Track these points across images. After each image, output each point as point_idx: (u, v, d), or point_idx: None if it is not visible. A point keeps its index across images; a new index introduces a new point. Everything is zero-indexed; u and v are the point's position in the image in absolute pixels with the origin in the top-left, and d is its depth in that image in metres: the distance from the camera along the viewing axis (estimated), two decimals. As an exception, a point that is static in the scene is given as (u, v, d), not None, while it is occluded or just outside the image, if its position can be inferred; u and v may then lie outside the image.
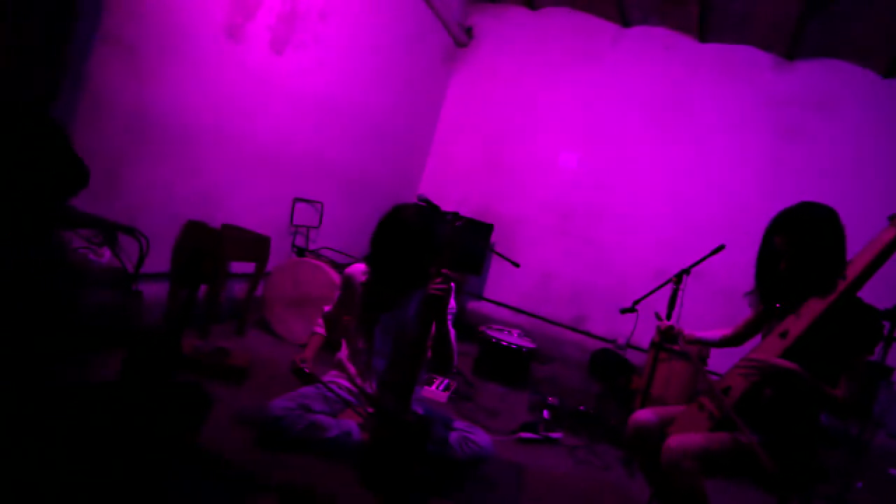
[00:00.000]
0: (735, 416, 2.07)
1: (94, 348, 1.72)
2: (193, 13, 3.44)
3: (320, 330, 2.90)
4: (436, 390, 3.83)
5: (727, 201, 5.87)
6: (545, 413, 3.79)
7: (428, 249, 2.57)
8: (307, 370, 2.63)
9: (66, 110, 2.86)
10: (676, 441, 2.12)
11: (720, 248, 3.23)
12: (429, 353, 2.60)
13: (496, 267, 6.66)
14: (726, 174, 5.92)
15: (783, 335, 2.16)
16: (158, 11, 3.23)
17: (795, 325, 2.14)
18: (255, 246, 3.93)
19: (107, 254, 2.97)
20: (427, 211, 2.73)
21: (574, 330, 6.35)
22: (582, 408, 4.15)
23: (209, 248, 3.57)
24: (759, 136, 5.85)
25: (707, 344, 2.73)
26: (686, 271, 3.44)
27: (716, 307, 5.29)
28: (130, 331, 1.77)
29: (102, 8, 2.88)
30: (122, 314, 2.79)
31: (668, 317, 3.30)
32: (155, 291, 3.49)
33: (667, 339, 2.72)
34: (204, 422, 1.93)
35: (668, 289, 3.51)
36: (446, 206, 6.10)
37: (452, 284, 2.41)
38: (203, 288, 3.77)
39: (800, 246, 2.17)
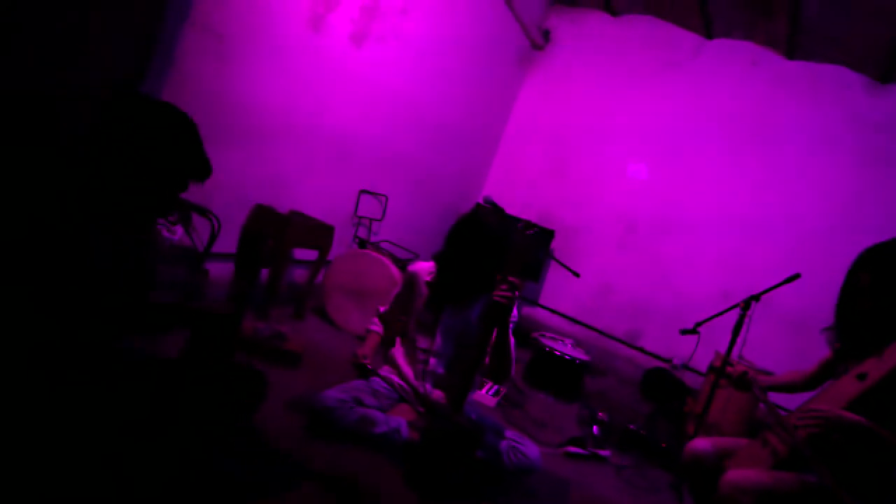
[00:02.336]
0: (809, 453, 1.97)
1: (161, 324, 1.76)
2: (280, 2, 3.50)
3: (377, 328, 2.90)
4: (485, 394, 3.80)
5: (804, 227, 5.59)
6: (594, 429, 3.72)
7: (501, 256, 2.54)
8: (369, 366, 2.64)
9: (153, 90, 2.95)
10: (736, 476, 2.04)
11: (795, 277, 3.09)
12: (486, 360, 2.58)
13: (554, 274, 6.58)
14: (805, 199, 5.64)
15: (861, 377, 2.04)
16: (247, 1, 3.30)
17: (877, 367, 2.02)
18: (320, 234, 3.97)
19: (179, 231, 3.05)
20: (503, 218, 2.71)
21: (628, 345, 6.22)
22: (632, 426, 4.05)
23: (275, 233, 3.63)
24: (844, 162, 5.54)
25: (783, 390, 2.61)
26: (756, 298, 3.30)
27: (783, 337, 5.09)
28: (195, 310, 1.80)
29: (195, -7, 2.96)
30: (190, 291, 2.86)
31: (733, 343, 3.19)
32: (220, 271, 3.58)
33: (740, 385, 2.60)
34: (259, 405, 1.95)
35: (733, 313, 3.39)
36: (509, 209, 6.06)
37: (517, 293, 2.37)
38: (265, 271, 3.85)
39: (889, 286, 2.05)
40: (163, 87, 3.00)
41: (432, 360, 2.67)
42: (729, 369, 2.68)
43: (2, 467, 1.30)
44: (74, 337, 1.46)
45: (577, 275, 4.33)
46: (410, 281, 2.80)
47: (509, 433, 2.64)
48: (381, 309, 2.93)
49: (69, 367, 1.44)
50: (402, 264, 4.38)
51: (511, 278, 2.35)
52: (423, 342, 2.70)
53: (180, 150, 1.63)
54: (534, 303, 6.63)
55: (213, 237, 3.14)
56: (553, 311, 6.54)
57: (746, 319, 3.30)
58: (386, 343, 2.98)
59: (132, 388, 1.55)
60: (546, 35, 6.87)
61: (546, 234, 6.18)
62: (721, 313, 3.61)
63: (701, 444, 2.38)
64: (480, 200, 6.28)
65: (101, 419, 1.46)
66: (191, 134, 1.66)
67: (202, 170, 1.69)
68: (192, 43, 3.07)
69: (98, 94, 2.74)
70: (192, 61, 3.12)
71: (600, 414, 3.98)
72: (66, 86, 2.61)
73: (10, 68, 2.38)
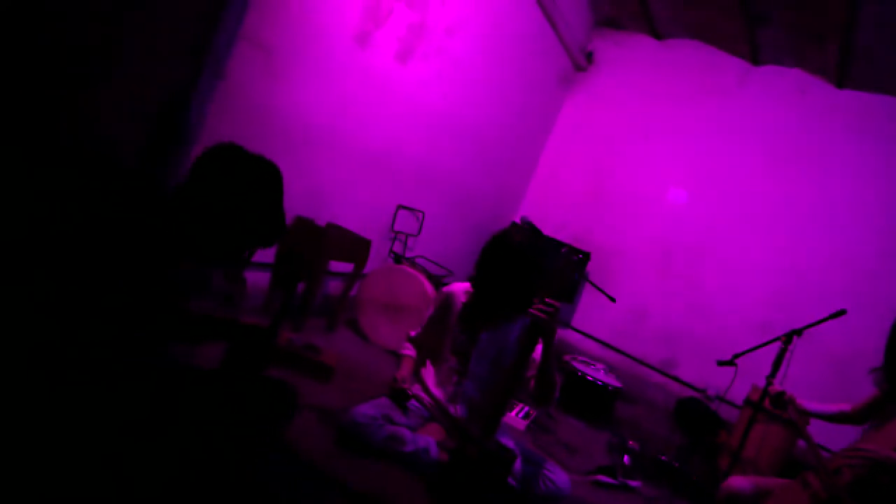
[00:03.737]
0: (849, 500, 1.90)
1: (201, 335, 1.78)
2: (328, 18, 3.56)
3: (410, 352, 2.85)
4: (515, 417, 3.76)
5: (849, 263, 5.41)
6: (625, 458, 3.65)
7: (540, 278, 2.52)
8: (409, 392, 2.61)
9: (203, 99, 3.02)
10: (775, 518, 1.97)
11: (840, 313, 3.00)
12: (531, 384, 2.55)
13: (587, 297, 6.51)
14: (852, 234, 5.46)
15: (912, 421, 1.97)
16: (297, 15, 3.37)
17: (927, 412, 1.95)
18: (356, 247, 4.00)
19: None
20: (540, 238, 2.69)
21: (661, 373, 6.10)
22: (664, 457, 3.97)
23: (312, 245, 3.66)
24: (893, 196, 5.39)
25: (823, 417, 2.54)
26: (798, 332, 3.22)
27: (825, 374, 4.94)
28: (233, 323, 1.82)
29: (248, 8, 3.01)
30: (228, 299, 2.91)
31: (772, 377, 3.10)
32: (257, 279, 3.62)
33: (776, 404, 2.54)
34: (292, 420, 1.96)
35: (774, 347, 3.31)
36: (545, 229, 6.04)
37: (557, 314, 2.34)
38: (301, 282, 3.88)
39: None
40: (213, 95, 3.05)
41: (466, 382, 2.65)
42: (770, 387, 2.62)
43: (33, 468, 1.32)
44: (118, 344, 1.48)
45: (612, 299, 4.28)
46: (446, 301, 2.77)
47: (539, 458, 2.60)
48: (412, 333, 2.88)
49: (110, 373, 1.46)
50: (436, 281, 4.38)
51: (549, 300, 2.32)
52: (456, 363, 2.68)
53: (260, 209, 1.68)
54: (566, 325, 6.57)
55: (251, 253, 3.18)
56: (586, 335, 6.46)
57: (787, 354, 3.21)
58: (418, 364, 2.96)
59: (166, 398, 1.56)
60: (589, 57, 6.86)
61: (582, 256, 6.12)
62: (761, 346, 3.52)
63: (739, 482, 2.31)
64: (516, 220, 6.28)
65: (135, 426, 1.47)
66: (275, 195, 1.71)
67: (277, 231, 1.75)
68: (241, 56, 3.13)
69: (150, 107, 2.81)
70: (240, 74, 3.17)
71: (631, 443, 3.91)
72: (118, 96, 2.68)
73: (63, 74, 2.45)
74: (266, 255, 3.58)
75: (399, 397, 2.61)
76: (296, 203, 3.84)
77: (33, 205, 1.49)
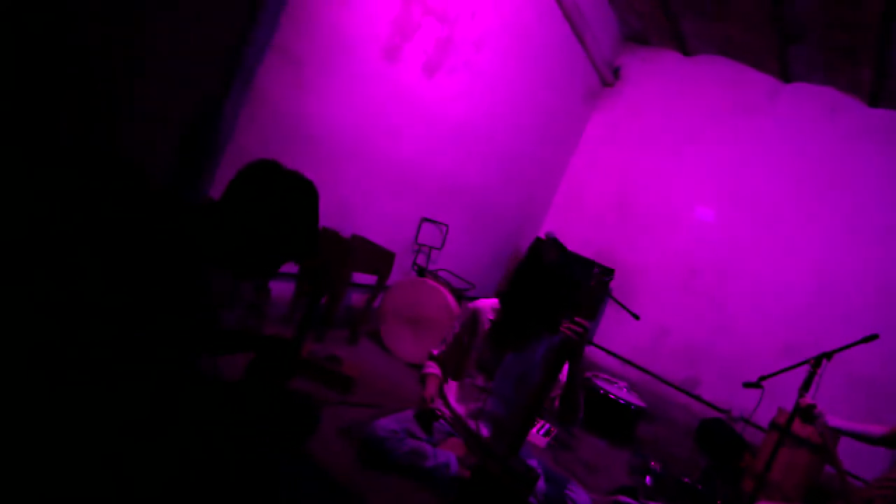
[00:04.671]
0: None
1: (226, 347, 1.79)
2: (358, 31, 3.59)
3: (435, 370, 2.78)
4: (536, 434, 3.73)
5: (881, 286, 5.28)
6: (647, 479, 3.60)
7: (569, 299, 2.49)
8: (437, 412, 2.57)
9: (233, 109, 3.05)
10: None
11: (873, 338, 2.93)
12: (555, 403, 2.52)
13: (610, 313, 6.44)
14: (882, 256, 5.35)
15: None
16: (328, 28, 3.40)
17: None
18: (380, 259, 4.01)
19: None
20: (566, 255, 2.67)
21: (684, 392, 6.01)
22: (686, 479, 3.90)
23: (336, 257, 3.67)
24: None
25: (855, 437, 2.48)
26: (827, 356, 3.15)
27: (855, 399, 4.83)
28: (258, 336, 1.83)
29: (280, 20, 3.05)
30: (252, 309, 2.92)
31: (804, 389, 3.03)
32: (281, 289, 3.64)
33: (804, 417, 2.48)
34: (313, 434, 1.96)
35: (801, 370, 3.24)
36: (569, 244, 6.01)
37: (586, 334, 2.32)
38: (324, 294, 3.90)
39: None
40: (243, 104, 3.09)
41: (489, 400, 2.63)
42: (800, 399, 2.57)
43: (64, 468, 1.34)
44: (145, 354, 1.50)
45: (636, 317, 4.24)
46: (473, 317, 2.74)
47: (561, 478, 2.57)
48: (435, 351, 2.83)
49: (137, 381, 1.47)
50: (458, 294, 4.38)
51: (579, 319, 2.30)
52: (480, 380, 2.66)
53: (295, 226, 1.70)
54: (588, 342, 6.51)
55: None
56: (608, 352, 6.40)
57: (816, 377, 3.15)
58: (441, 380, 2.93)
59: (190, 409, 1.57)
60: (616, 72, 6.84)
61: (605, 273, 6.08)
62: (789, 369, 3.46)
63: (766, 508, 2.26)
64: (540, 234, 6.25)
65: (158, 435, 1.48)
66: (310, 212, 1.73)
67: (310, 248, 1.76)
68: (272, 67, 3.17)
69: (182, 115, 2.85)
70: (270, 85, 3.21)
71: (653, 463, 3.85)
72: (151, 103, 2.72)
73: (93, 81, 2.49)
74: (290, 265, 3.60)
75: (427, 418, 2.58)
76: (321, 214, 3.86)
77: (65, 213, 1.51)
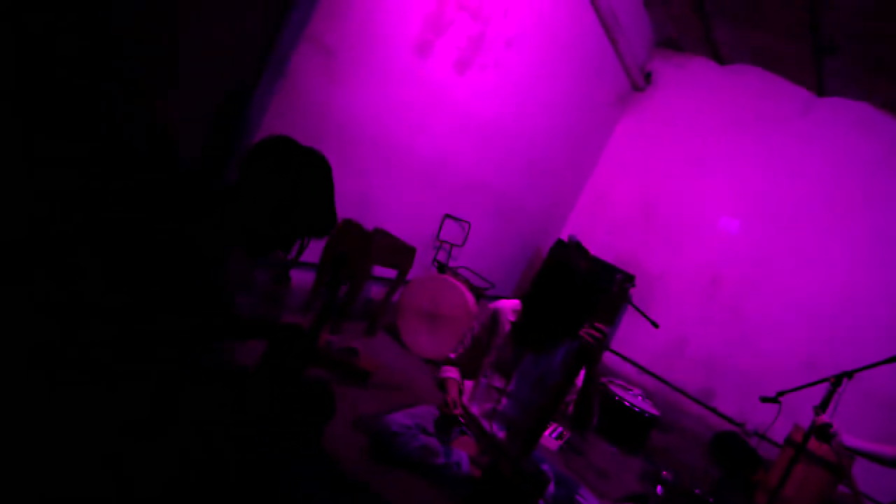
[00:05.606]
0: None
1: (243, 334, 1.81)
2: (390, 25, 3.59)
3: (453, 374, 2.74)
4: (548, 437, 3.72)
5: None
6: (658, 488, 3.57)
7: (593, 304, 2.48)
8: (462, 419, 2.55)
9: (264, 97, 3.07)
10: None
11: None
12: (570, 408, 2.51)
13: (628, 319, 6.40)
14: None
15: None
16: (361, 20, 3.41)
17: None
18: (401, 254, 4.01)
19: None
20: (594, 262, 2.64)
21: (699, 403, 5.96)
22: (697, 491, 3.87)
23: (358, 249, 3.69)
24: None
25: (871, 458, 2.44)
26: (848, 374, 3.10)
27: (874, 419, 4.76)
28: (274, 325, 1.84)
29: (313, 10, 3.06)
30: (272, 298, 2.94)
31: (822, 408, 2.99)
32: (302, 279, 3.66)
33: (820, 436, 2.45)
34: (327, 425, 1.97)
35: (820, 388, 3.20)
36: (591, 249, 5.98)
37: (605, 340, 2.30)
38: (344, 285, 3.91)
39: None
40: (273, 94, 3.11)
41: (504, 401, 2.63)
42: (815, 417, 2.54)
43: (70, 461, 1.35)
44: (160, 341, 1.51)
45: (655, 325, 4.21)
46: (494, 318, 2.73)
47: (572, 483, 2.56)
48: (452, 355, 2.81)
49: (152, 369, 1.49)
50: (477, 293, 4.37)
51: (598, 324, 2.28)
52: (497, 381, 2.65)
53: (312, 200, 1.70)
54: (606, 347, 6.47)
55: (302, 248, 3.21)
56: (624, 358, 6.35)
57: (836, 396, 3.10)
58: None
59: (205, 396, 1.59)
60: (647, 77, 6.78)
61: (627, 279, 6.04)
62: (808, 385, 3.41)
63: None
64: (563, 237, 6.22)
65: (174, 422, 1.49)
66: (325, 186, 1.73)
67: (328, 223, 1.77)
68: (304, 57, 3.18)
69: (213, 103, 2.87)
70: (301, 74, 3.23)
71: (664, 473, 3.83)
72: (184, 90, 2.75)
73: (127, 68, 2.52)
74: (311, 254, 3.62)
75: (450, 423, 2.57)
76: (345, 206, 3.86)
77: (86, 200, 1.53)
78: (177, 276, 1.51)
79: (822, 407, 3.00)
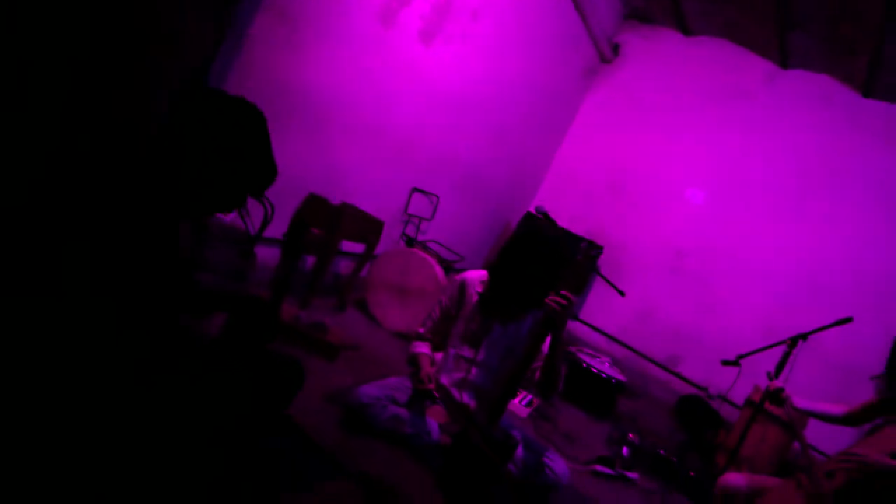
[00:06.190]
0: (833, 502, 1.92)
1: (202, 307, 1.79)
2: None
3: (424, 349, 2.76)
4: (518, 404, 3.79)
5: (861, 273, 5.36)
6: (624, 450, 3.67)
7: (559, 273, 2.51)
8: (436, 393, 2.58)
9: (222, 70, 3.03)
10: (766, 517, 2.00)
11: (846, 321, 2.99)
12: (536, 374, 2.56)
13: (597, 290, 6.52)
14: (864, 243, 5.42)
15: (908, 430, 1.98)
16: (322, -11, 3.36)
17: (924, 422, 1.96)
18: (369, 228, 4.02)
19: (232, 213, 3.12)
20: (556, 231, 2.67)
21: (665, 369, 6.11)
22: (662, 452, 3.99)
23: (325, 223, 3.68)
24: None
25: (818, 417, 2.56)
26: (803, 336, 3.22)
27: (827, 380, 4.94)
28: (233, 295, 1.82)
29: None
30: (237, 274, 2.94)
31: (776, 376, 3.10)
32: (268, 255, 3.65)
33: (773, 400, 2.56)
34: (295, 395, 1.98)
35: (778, 350, 3.31)
36: (560, 221, 6.03)
37: (571, 308, 2.34)
38: (311, 260, 3.91)
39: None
40: (232, 66, 3.06)
41: (474, 370, 2.67)
42: (768, 383, 2.65)
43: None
44: (122, 317, 1.50)
45: (622, 293, 4.26)
46: (461, 289, 2.75)
47: (539, 447, 2.63)
48: (421, 329, 2.83)
49: (115, 346, 1.48)
50: (447, 265, 4.41)
51: (565, 292, 2.32)
52: (466, 351, 2.69)
53: (247, 151, 1.64)
54: (574, 317, 6.58)
55: (266, 222, 3.21)
56: (593, 328, 6.47)
57: (791, 357, 3.22)
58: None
59: (169, 369, 1.58)
60: (615, 49, 6.81)
61: (592, 248, 6.12)
62: (766, 348, 3.53)
63: (735, 478, 2.34)
64: (531, 210, 6.27)
65: (135, 400, 1.49)
66: (260, 135, 1.67)
67: (268, 174, 1.71)
68: (263, 27, 3.13)
69: (174, 80, 2.82)
70: (261, 45, 3.18)
71: (631, 436, 3.93)
72: (143, 67, 2.69)
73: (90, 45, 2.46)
74: (279, 229, 3.61)
75: (425, 398, 2.60)
76: (310, 179, 3.87)
77: (38, 180, 1.50)
78: (126, 249, 1.48)
79: (776, 373, 3.12)
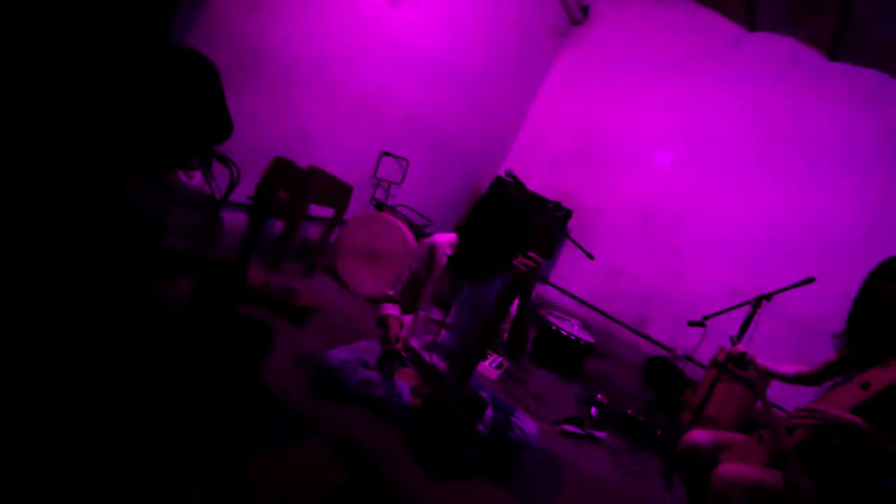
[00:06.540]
0: (793, 457, 1.98)
1: (167, 270, 1.76)
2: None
3: (393, 311, 2.75)
4: (488, 367, 3.83)
5: (824, 233, 5.47)
6: (592, 410, 3.74)
7: (527, 234, 2.52)
8: (404, 353, 2.58)
9: (182, 29, 2.93)
10: (729, 470, 2.05)
11: (809, 281, 3.06)
12: (504, 335, 2.58)
13: (567, 254, 6.56)
14: (829, 205, 5.50)
15: (865, 386, 2.04)
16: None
17: (881, 377, 2.02)
18: (338, 192, 3.98)
19: (197, 177, 3.06)
20: (526, 193, 2.66)
21: (634, 331, 6.21)
22: (630, 411, 4.08)
23: (293, 188, 3.63)
24: (875, 173, 5.37)
25: (780, 378, 2.63)
26: (767, 297, 3.29)
27: (790, 340, 5.06)
28: (199, 258, 1.80)
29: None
30: (204, 239, 2.89)
31: (739, 340, 3.18)
32: (237, 220, 3.59)
33: (737, 364, 2.63)
34: (265, 357, 1.97)
35: (743, 311, 3.39)
36: (529, 184, 6.03)
37: (537, 269, 2.35)
38: (279, 225, 3.87)
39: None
40: (193, 25, 2.97)
41: (443, 333, 2.68)
42: (731, 347, 2.71)
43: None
44: (86, 280, 1.47)
45: (591, 257, 4.30)
46: (430, 252, 2.75)
47: (509, 407, 2.66)
48: (391, 292, 2.82)
49: (86, 310, 1.45)
50: (417, 230, 4.39)
51: (532, 254, 2.33)
52: (436, 314, 2.70)
53: (199, 104, 1.59)
54: (544, 281, 6.64)
55: (232, 186, 3.15)
56: (563, 291, 6.54)
57: (755, 318, 3.29)
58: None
59: (134, 335, 1.56)
60: (585, 11, 6.75)
61: (563, 214, 6.14)
62: (731, 309, 3.61)
63: (699, 435, 2.39)
64: (501, 173, 6.26)
65: (104, 363, 1.47)
66: (213, 88, 1.62)
67: (222, 127, 1.67)
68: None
69: (131, 34, 2.72)
70: (222, 3, 3.08)
71: (599, 396, 4.00)
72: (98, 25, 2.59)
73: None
74: (243, 194, 3.55)
75: (393, 359, 2.60)
76: (277, 143, 3.80)
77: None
78: (78, 206, 1.44)
79: (739, 334, 3.19)
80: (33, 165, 1.40)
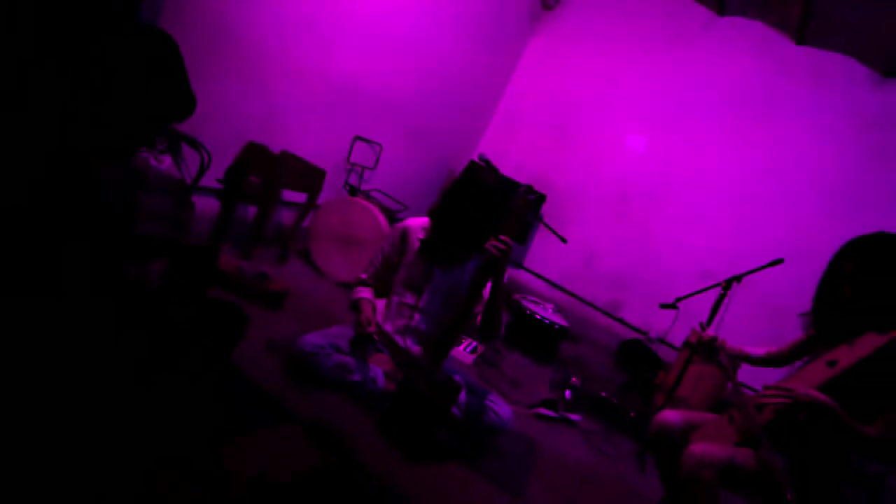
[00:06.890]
0: (763, 436, 2.02)
1: (138, 255, 1.74)
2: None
3: (366, 294, 2.75)
4: (463, 351, 3.84)
5: (793, 215, 5.58)
6: (567, 393, 3.77)
7: (499, 217, 2.52)
8: (376, 336, 2.57)
9: (152, 9, 2.87)
10: (700, 449, 2.09)
11: (778, 262, 3.12)
12: (478, 319, 2.59)
13: (540, 238, 6.59)
14: (797, 186, 5.61)
15: (831, 364, 2.08)
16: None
17: (847, 355, 2.06)
18: (311, 177, 3.94)
19: (167, 161, 3.00)
20: (499, 177, 2.67)
21: (607, 315, 6.28)
22: (604, 394, 4.13)
23: (266, 173, 3.58)
24: (841, 154, 5.48)
25: (750, 360, 2.67)
26: (737, 278, 3.35)
27: (760, 320, 5.15)
28: (169, 243, 1.78)
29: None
30: (175, 224, 2.84)
31: (710, 322, 3.22)
32: (208, 205, 3.54)
33: (707, 350, 2.66)
34: (238, 342, 1.95)
35: (714, 293, 3.43)
36: (503, 169, 6.03)
37: (509, 252, 2.36)
38: (252, 210, 3.82)
39: (869, 275, 2.07)
40: (163, 4, 2.90)
41: (417, 317, 2.68)
42: (701, 333, 2.75)
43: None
44: (57, 265, 1.44)
45: (564, 240, 4.34)
46: (402, 236, 2.75)
47: (483, 391, 2.67)
48: (364, 275, 2.81)
49: (62, 290, 1.43)
50: (391, 215, 4.37)
51: (504, 237, 2.34)
52: (409, 298, 2.69)
53: (159, 78, 1.56)
54: (518, 265, 6.67)
55: (203, 170, 3.10)
56: (537, 275, 6.58)
57: (726, 299, 3.34)
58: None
59: (107, 319, 1.54)
60: (557, -5, 6.74)
61: (535, 197, 6.16)
62: (702, 290, 3.66)
63: (670, 416, 2.42)
64: (475, 158, 6.25)
65: (80, 349, 1.45)
66: (172, 62, 1.59)
67: (184, 103, 1.64)
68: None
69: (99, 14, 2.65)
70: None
71: (573, 379, 4.04)
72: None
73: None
74: (213, 178, 3.49)
75: (365, 342, 2.60)
76: (249, 127, 3.74)
77: None
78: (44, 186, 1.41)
79: (709, 318, 3.23)
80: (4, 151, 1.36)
